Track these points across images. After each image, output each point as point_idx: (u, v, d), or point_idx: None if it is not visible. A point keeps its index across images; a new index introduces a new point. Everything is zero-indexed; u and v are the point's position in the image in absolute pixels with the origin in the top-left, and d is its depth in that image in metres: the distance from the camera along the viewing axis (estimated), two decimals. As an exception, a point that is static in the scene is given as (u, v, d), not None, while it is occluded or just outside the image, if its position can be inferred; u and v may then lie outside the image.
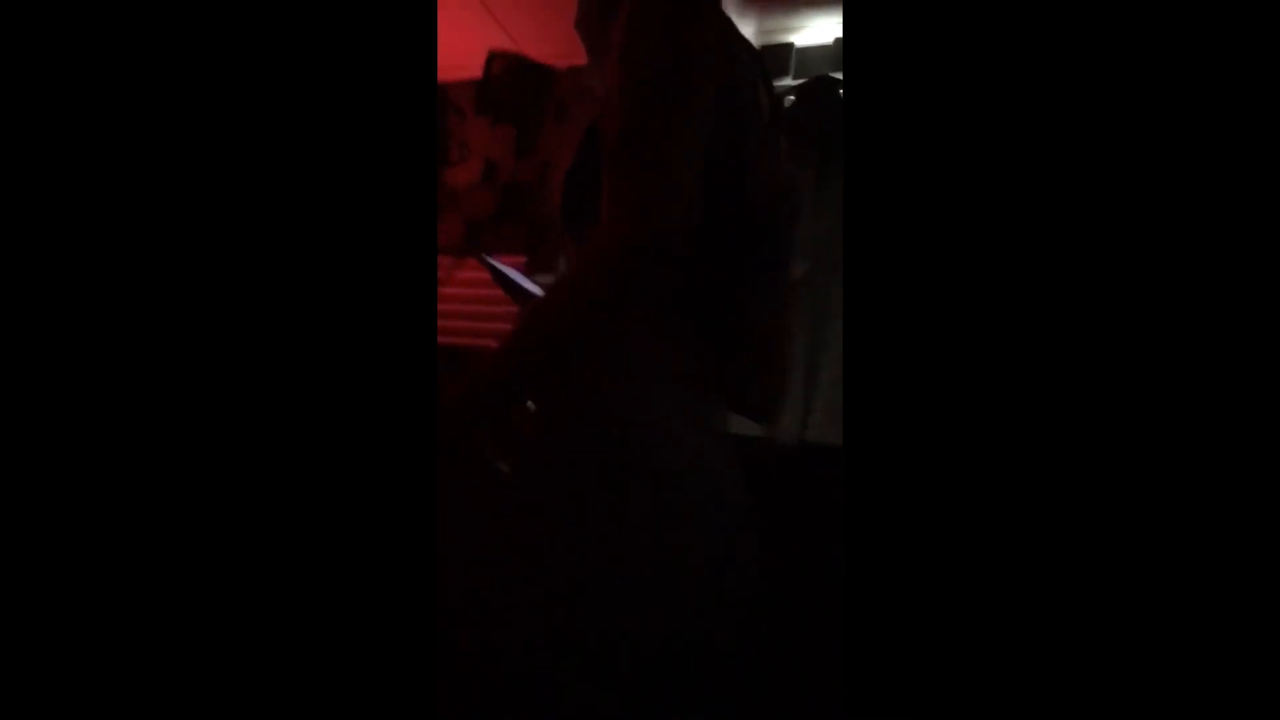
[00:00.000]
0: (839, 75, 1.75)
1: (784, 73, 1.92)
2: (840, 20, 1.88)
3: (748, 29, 1.92)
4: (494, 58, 2.00)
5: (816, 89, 1.74)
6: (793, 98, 1.78)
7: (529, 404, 0.59)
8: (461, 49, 2.09)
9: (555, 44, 2.02)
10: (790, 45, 1.97)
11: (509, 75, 1.99)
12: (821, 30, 1.96)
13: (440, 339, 1.99)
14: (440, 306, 2.04)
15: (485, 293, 2.02)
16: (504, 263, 1.09)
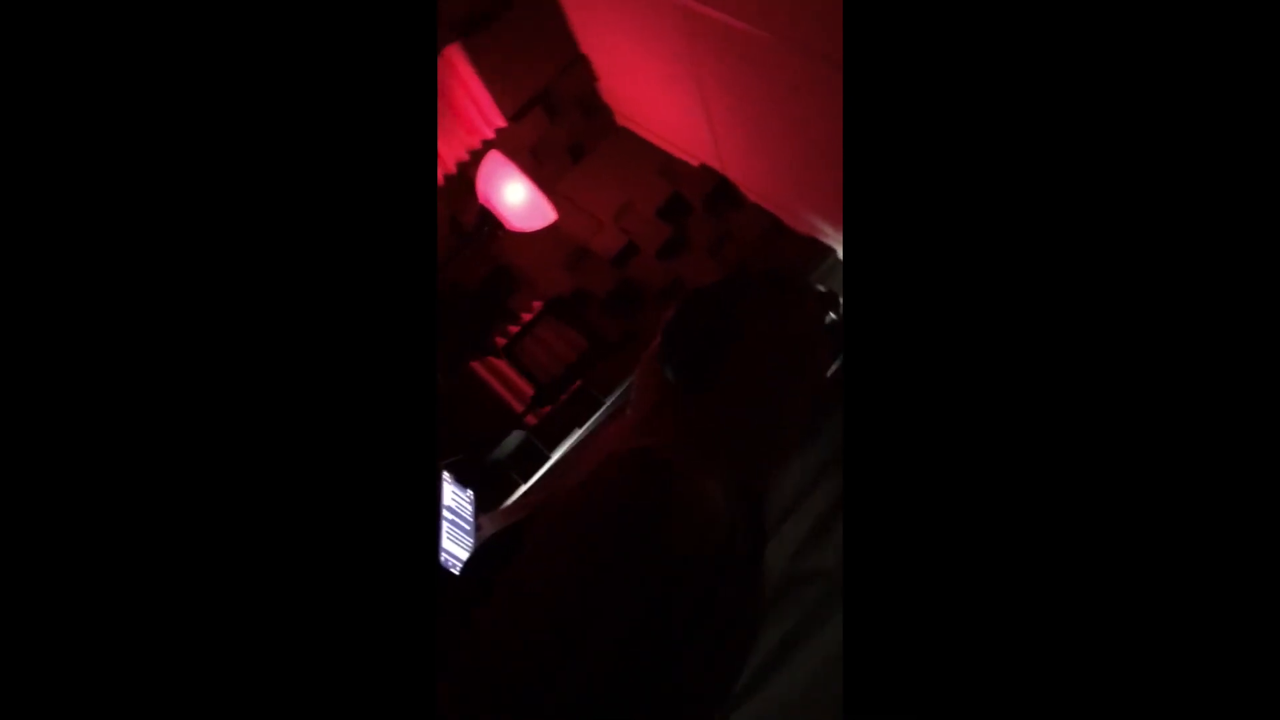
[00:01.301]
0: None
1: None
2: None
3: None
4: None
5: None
6: None
7: None
8: (676, 132, 1.99)
9: (758, 177, 1.86)
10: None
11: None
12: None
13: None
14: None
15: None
16: None
